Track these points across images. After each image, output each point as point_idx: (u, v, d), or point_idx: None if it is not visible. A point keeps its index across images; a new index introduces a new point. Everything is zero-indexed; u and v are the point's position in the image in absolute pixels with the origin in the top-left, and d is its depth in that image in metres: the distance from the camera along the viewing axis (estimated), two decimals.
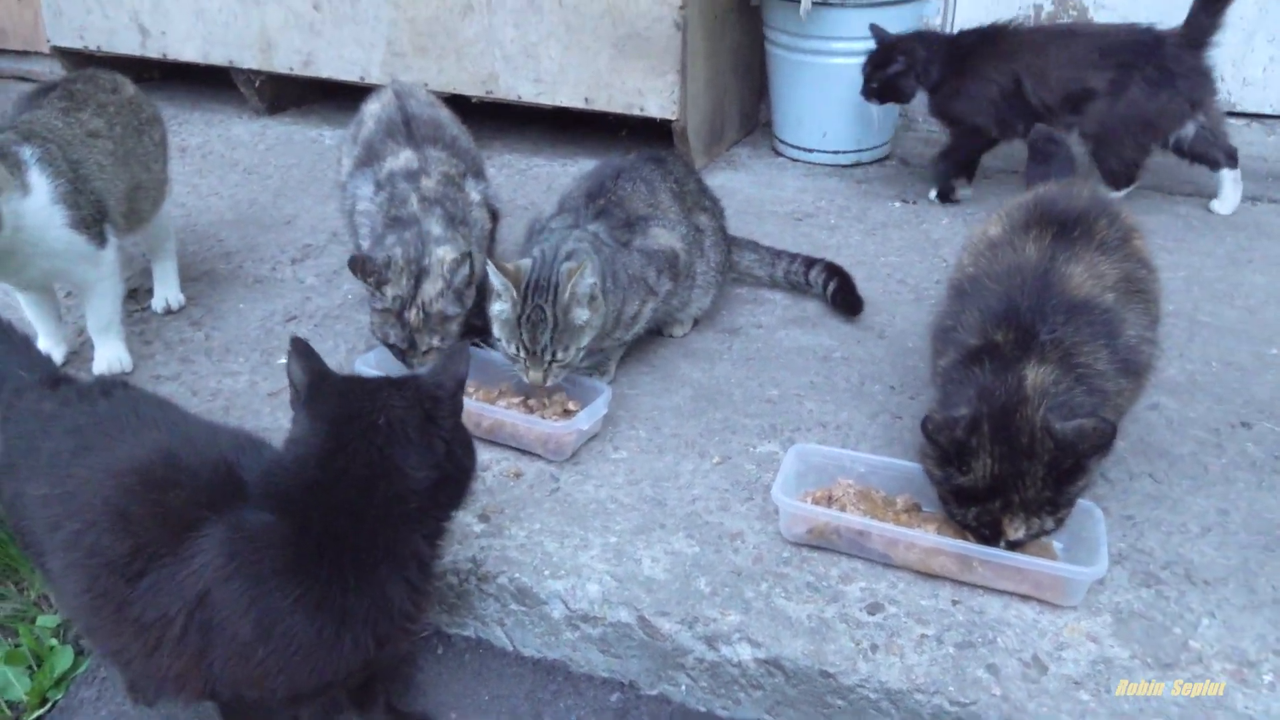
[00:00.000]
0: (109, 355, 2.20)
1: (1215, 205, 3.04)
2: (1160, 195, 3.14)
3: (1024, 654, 1.49)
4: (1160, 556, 1.68)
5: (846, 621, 1.55)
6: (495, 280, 1.93)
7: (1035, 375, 1.52)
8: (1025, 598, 1.59)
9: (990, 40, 3.00)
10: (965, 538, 1.63)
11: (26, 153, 1.97)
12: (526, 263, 1.96)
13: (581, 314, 1.93)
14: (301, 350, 1.43)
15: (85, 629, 1.42)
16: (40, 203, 1.96)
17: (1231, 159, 2.98)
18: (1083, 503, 1.65)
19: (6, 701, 1.74)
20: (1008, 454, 1.50)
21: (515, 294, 1.91)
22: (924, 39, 3.04)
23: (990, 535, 1.57)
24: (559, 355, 1.92)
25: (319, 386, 1.40)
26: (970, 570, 1.60)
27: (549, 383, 1.96)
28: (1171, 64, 2.81)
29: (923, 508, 1.74)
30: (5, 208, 1.89)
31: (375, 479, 1.32)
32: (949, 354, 1.66)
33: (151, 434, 1.43)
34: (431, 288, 2.01)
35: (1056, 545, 1.67)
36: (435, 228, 2.09)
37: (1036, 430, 1.49)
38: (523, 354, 1.93)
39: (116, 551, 1.31)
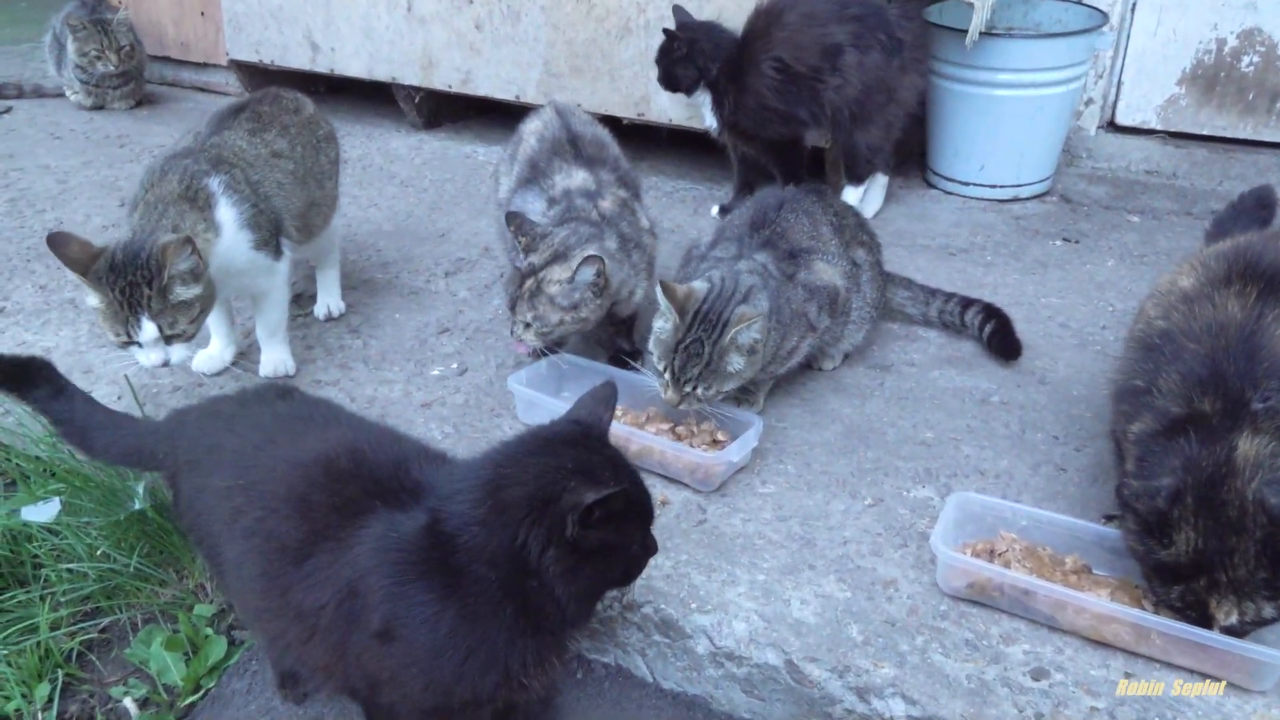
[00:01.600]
0: (274, 359, 2.29)
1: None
2: None
3: None
4: None
5: (1009, 685, 1.47)
6: (661, 301, 1.93)
7: (1247, 446, 1.41)
8: (1207, 676, 1.47)
9: (750, 42, 2.90)
10: (1143, 606, 1.52)
11: (214, 183, 2.08)
12: (701, 287, 1.94)
13: (737, 361, 1.90)
14: (598, 394, 1.43)
15: (253, 614, 1.46)
16: (229, 235, 2.08)
17: None
18: None
19: (164, 684, 1.82)
20: (1213, 528, 1.39)
21: (678, 320, 1.90)
22: (710, 30, 2.93)
23: (1198, 619, 1.45)
24: (700, 391, 1.91)
25: (529, 432, 1.40)
26: (1146, 642, 1.49)
27: (681, 407, 1.95)
28: (899, 32, 2.86)
29: (1093, 570, 1.63)
30: (208, 253, 2.04)
31: (473, 539, 1.28)
32: (1144, 420, 1.54)
33: (337, 430, 1.48)
34: (558, 272, 2.05)
35: None
36: (611, 243, 2.13)
37: (1247, 504, 1.38)
38: (668, 376, 1.92)
39: (292, 536, 1.35)
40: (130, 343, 1.95)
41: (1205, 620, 1.44)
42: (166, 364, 1.98)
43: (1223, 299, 1.58)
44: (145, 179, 2.08)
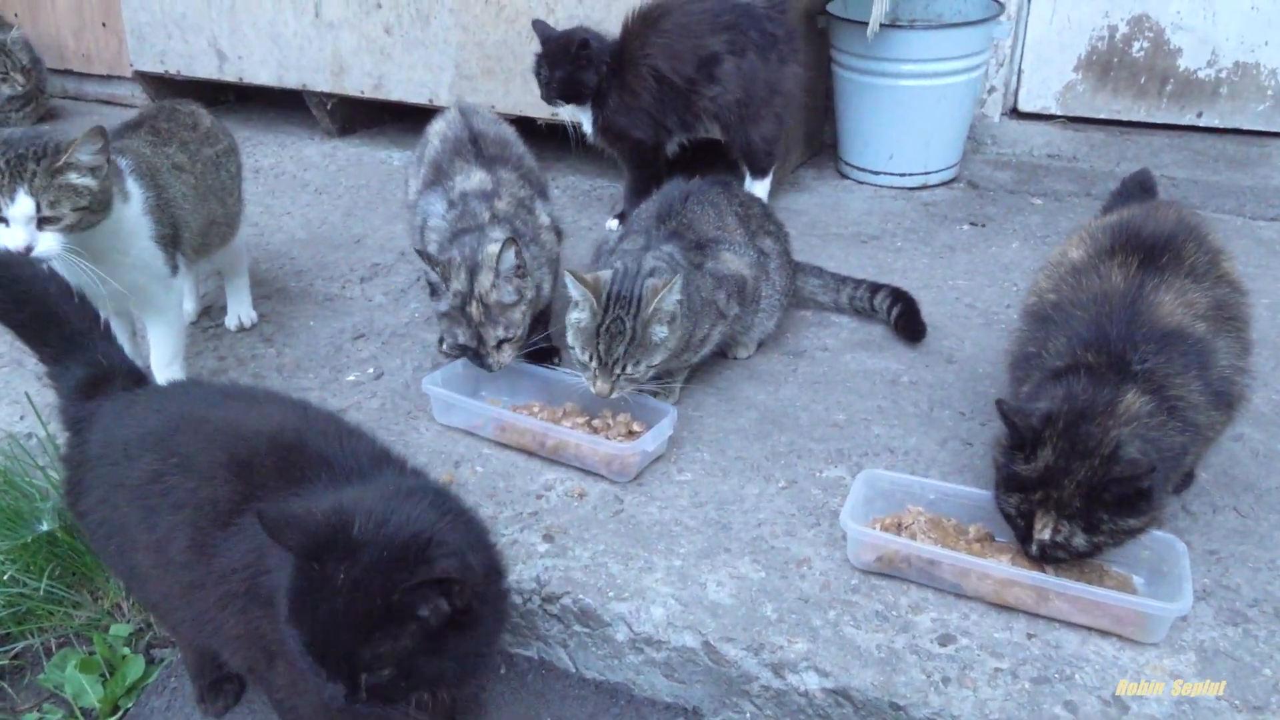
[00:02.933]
0: None
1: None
2: (1241, 220, 3.05)
3: (1104, 691, 1.44)
4: (1247, 594, 1.61)
5: (917, 653, 1.51)
6: (574, 290, 1.95)
7: (1132, 399, 1.50)
8: (1104, 633, 1.54)
9: (628, 43, 2.91)
10: (1044, 570, 1.58)
11: (123, 162, 2.04)
12: (606, 274, 1.97)
13: (660, 331, 1.93)
14: None
15: (179, 594, 1.40)
16: (135, 210, 2.02)
17: None
18: (1165, 536, 1.61)
19: (81, 708, 1.78)
20: (1066, 451, 1.50)
21: (596, 304, 1.92)
22: (590, 33, 2.91)
23: (1024, 531, 1.56)
24: (629, 369, 1.93)
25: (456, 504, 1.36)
26: (1046, 603, 1.55)
27: (614, 395, 1.96)
28: (770, 27, 2.90)
29: (996, 538, 1.69)
30: (117, 198, 1.94)
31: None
32: (1033, 379, 1.62)
33: (277, 409, 1.46)
34: (485, 279, 2.03)
35: (1137, 580, 1.62)
36: (496, 232, 2.11)
37: (1105, 442, 1.47)
38: (595, 364, 1.94)
39: (227, 499, 1.32)
40: None
41: (1029, 534, 1.55)
42: (29, 250, 1.79)
43: (1107, 269, 1.66)
44: None
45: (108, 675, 1.82)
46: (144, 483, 1.40)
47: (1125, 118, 3.60)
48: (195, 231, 2.22)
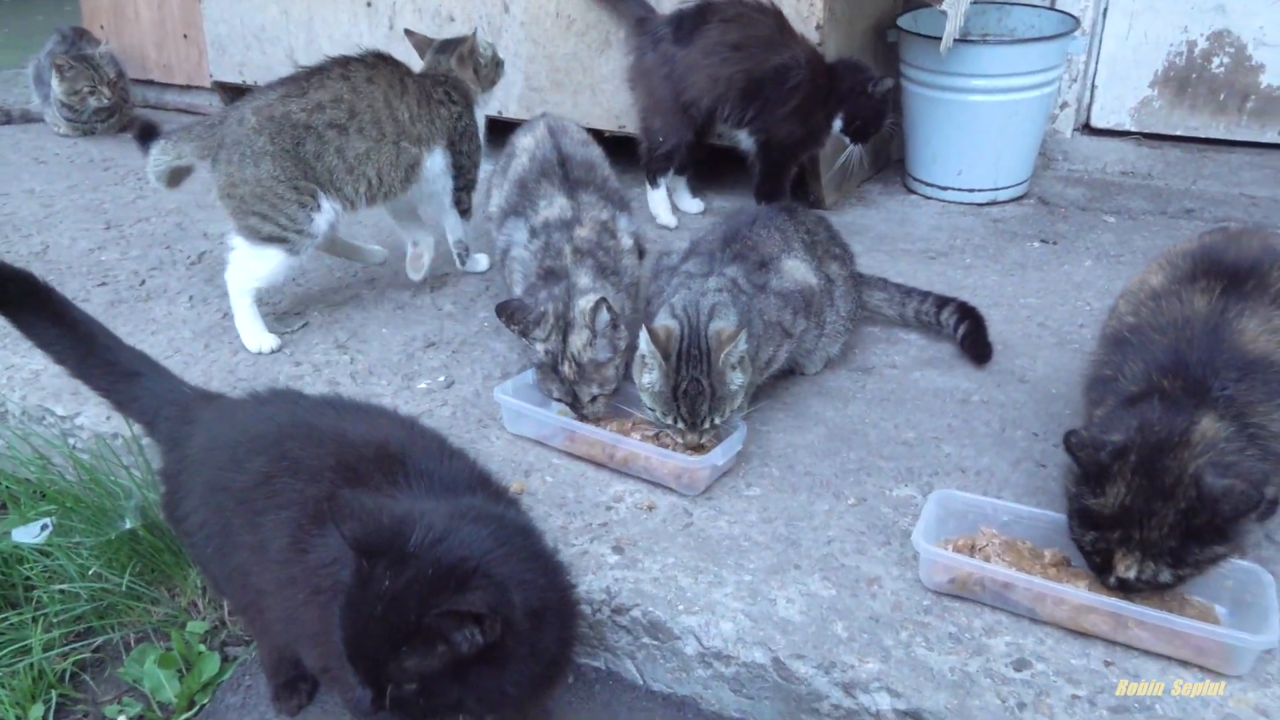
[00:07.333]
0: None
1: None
2: None
3: None
4: None
5: (991, 676, 1.49)
6: (644, 347, 1.90)
7: (1208, 425, 1.46)
8: (1185, 663, 1.50)
9: None
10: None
11: None
12: (673, 326, 1.91)
13: (736, 378, 1.90)
14: None
15: (273, 586, 1.44)
16: None
17: None
18: (1250, 566, 1.57)
19: (158, 702, 1.83)
20: (1143, 489, 1.46)
21: (664, 364, 1.88)
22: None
23: (1101, 565, 1.53)
24: (716, 420, 1.91)
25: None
26: (1124, 630, 1.52)
27: (704, 440, 1.94)
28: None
29: (1072, 562, 1.66)
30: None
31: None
32: (1107, 404, 1.60)
33: (385, 422, 1.53)
34: (578, 339, 2.03)
35: (1220, 610, 1.58)
36: (583, 279, 2.11)
37: (1185, 476, 1.44)
38: (680, 424, 1.92)
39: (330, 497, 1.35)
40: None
41: (1107, 568, 1.52)
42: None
43: (1189, 295, 1.63)
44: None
45: (184, 671, 1.87)
46: (252, 485, 1.45)
47: (1203, 135, 3.52)
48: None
